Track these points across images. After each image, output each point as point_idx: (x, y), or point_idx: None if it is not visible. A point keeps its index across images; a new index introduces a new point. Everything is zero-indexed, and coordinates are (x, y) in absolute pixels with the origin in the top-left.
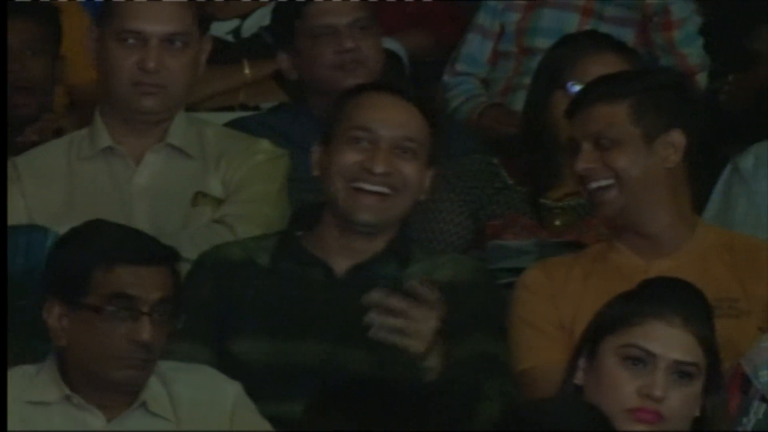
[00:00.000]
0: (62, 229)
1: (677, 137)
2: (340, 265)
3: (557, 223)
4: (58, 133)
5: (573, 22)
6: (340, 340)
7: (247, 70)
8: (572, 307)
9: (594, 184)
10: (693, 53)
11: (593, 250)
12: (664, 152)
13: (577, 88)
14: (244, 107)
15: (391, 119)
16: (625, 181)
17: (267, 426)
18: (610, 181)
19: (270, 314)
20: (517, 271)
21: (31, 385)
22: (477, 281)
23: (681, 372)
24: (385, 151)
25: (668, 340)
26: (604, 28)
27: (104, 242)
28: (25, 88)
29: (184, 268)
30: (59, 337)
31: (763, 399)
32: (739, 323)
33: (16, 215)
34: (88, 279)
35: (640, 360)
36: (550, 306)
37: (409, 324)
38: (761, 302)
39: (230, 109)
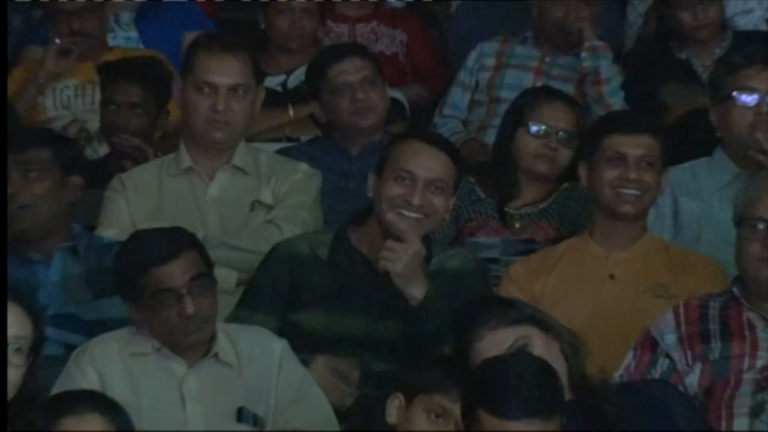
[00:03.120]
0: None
1: None
2: (380, 262)
3: (517, 225)
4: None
5: (529, 79)
6: (377, 317)
7: (291, 112)
8: (541, 285)
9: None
10: (616, 103)
11: (565, 243)
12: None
13: (535, 127)
14: (289, 139)
15: (427, 163)
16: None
17: (306, 373)
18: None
19: (326, 295)
20: (488, 260)
21: (133, 341)
22: (475, 269)
23: None
24: (421, 188)
25: None
26: (553, 84)
27: (140, 253)
28: (128, 133)
29: (241, 256)
30: (141, 325)
31: (667, 356)
32: (668, 303)
33: (121, 218)
34: (136, 285)
35: None
36: (521, 291)
37: (393, 254)
38: (686, 291)
39: (278, 140)
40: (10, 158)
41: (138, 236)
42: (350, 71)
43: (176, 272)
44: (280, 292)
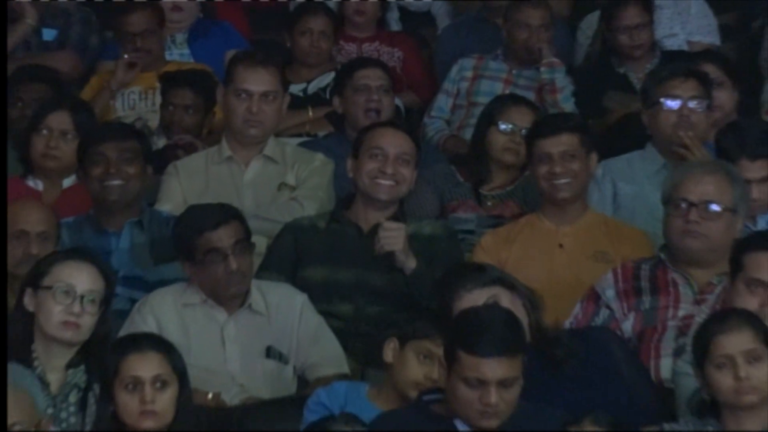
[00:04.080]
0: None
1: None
2: (365, 225)
3: (489, 204)
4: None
5: (499, 88)
6: (365, 268)
7: (310, 113)
8: (506, 253)
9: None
10: (568, 107)
11: (524, 219)
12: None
13: (504, 126)
14: (308, 135)
15: (394, 141)
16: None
17: (321, 320)
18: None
19: (325, 253)
20: (465, 231)
21: (185, 293)
22: (445, 234)
23: None
24: (392, 160)
25: None
26: (518, 91)
27: (197, 219)
28: (182, 129)
29: (271, 226)
30: (193, 280)
31: (608, 307)
32: (607, 266)
33: (175, 196)
34: (191, 245)
35: None
36: (490, 257)
37: (392, 236)
38: (620, 255)
39: (300, 135)
40: (110, 144)
41: (194, 208)
42: (372, 77)
43: (224, 236)
44: (286, 256)
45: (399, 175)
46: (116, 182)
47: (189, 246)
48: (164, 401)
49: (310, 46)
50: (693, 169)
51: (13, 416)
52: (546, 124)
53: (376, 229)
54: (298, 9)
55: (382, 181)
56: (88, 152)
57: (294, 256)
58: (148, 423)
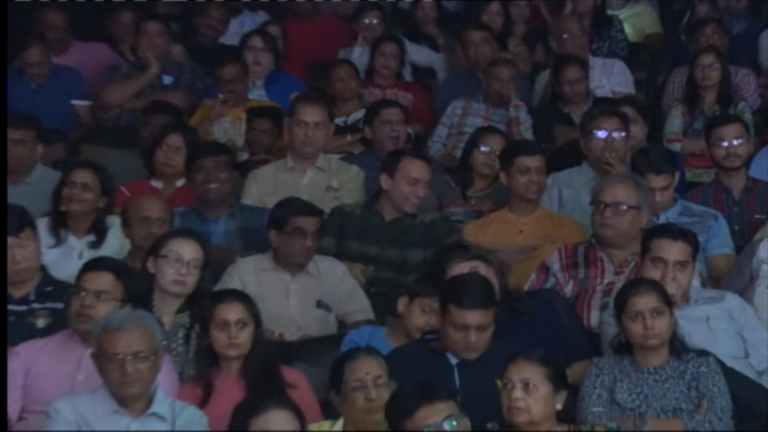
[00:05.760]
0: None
1: None
2: (389, 216)
3: (472, 202)
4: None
5: (480, 121)
6: (385, 245)
7: (349, 138)
8: (483, 236)
9: (537, 187)
10: (528, 136)
11: (495, 214)
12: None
13: (483, 148)
14: (347, 153)
15: (422, 172)
16: (544, 187)
17: (355, 283)
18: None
19: (358, 231)
20: (456, 221)
21: (261, 261)
22: (441, 219)
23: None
24: (422, 187)
25: None
26: (493, 124)
27: (294, 206)
28: (261, 147)
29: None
30: (276, 248)
31: (554, 276)
32: (553, 246)
33: (253, 194)
34: (284, 221)
35: None
36: (471, 239)
37: None
38: (562, 239)
39: (341, 153)
40: (208, 159)
41: (295, 198)
42: (393, 114)
43: (310, 223)
44: (334, 230)
45: (425, 196)
46: (214, 186)
47: (283, 220)
48: (244, 337)
49: (343, 87)
50: (609, 179)
51: (140, 346)
52: (527, 145)
53: (395, 218)
54: (330, 65)
55: (414, 201)
56: (193, 165)
57: (338, 231)
58: (233, 352)
